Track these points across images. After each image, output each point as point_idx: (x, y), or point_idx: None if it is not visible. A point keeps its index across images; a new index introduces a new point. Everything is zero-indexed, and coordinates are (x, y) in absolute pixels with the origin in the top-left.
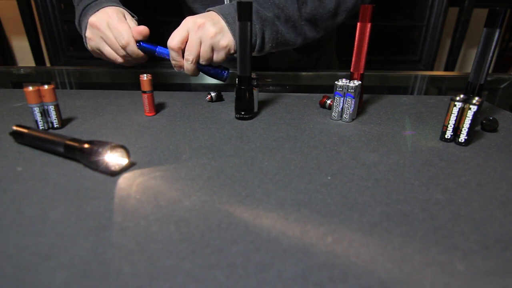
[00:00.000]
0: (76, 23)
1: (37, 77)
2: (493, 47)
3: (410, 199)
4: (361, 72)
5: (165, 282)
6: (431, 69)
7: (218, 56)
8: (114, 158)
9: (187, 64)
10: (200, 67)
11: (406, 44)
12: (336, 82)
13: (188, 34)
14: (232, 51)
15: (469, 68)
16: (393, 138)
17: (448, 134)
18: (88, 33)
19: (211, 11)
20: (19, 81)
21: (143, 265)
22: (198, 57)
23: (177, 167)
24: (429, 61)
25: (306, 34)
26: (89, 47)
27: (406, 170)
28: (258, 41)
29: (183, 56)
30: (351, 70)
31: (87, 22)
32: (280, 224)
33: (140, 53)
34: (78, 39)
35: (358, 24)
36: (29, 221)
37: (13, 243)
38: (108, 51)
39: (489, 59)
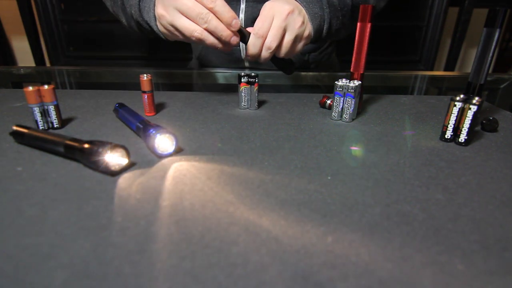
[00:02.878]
0: (130, 11)
1: (37, 77)
2: (493, 47)
3: (410, 199)
4: (361, 72)
5: (165, 282)
6: (431, 69)
7: (298, 48)
8: (114, 158)
9: (267, 53)
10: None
11: (406, 44)
12: (336, 82)
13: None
14: (308, 42)
15: (469, 68)
16: (393, 138)
17: (448, 134)
18: (159, 9)
19: None
20: (19, 81)
21: (143, 265)
22: (278, 45)
23: (177, 167)
24: (429, 61)
25: (351, 26)
26: (160, 27)
27: (406, 170)
28: (325, 27)
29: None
30: (351, 70)
31: (154, 2)
32: (280, 224)
33: (230, 11)
34: (78, 39)
35: (358, 24)
36: (29, 221)
37: (13, 243)
38: (183, 23)
39: (489, 59)
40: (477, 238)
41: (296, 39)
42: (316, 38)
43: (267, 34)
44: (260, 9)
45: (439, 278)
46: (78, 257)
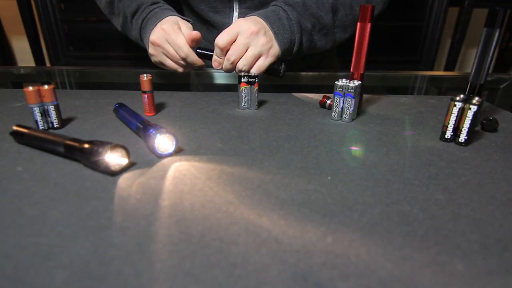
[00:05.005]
0: (135, 35)
1: (37, 77)
2: (493, 47)
3: (410, 199)
4: (361, 72)
5: (165, 282)
6: (431, 69)
7: (264, 62)
8: (114, 158)
9: (227, 63)
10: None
11: (406, 44)
12: (336, 82)
13: (237, 36)
14: (276, 60)
15: (469, 68)
16: (393, 138)
17: (448, 134)
18: (151, 51)
19: (258, 17)
20: (19, 81)
21: (143, 265)
22: (239, 59)
23: (177, 167)
24: (429, 61)
25: (336, 40)
26: (152, 61)
27: (406, 170)
28: (295, 49)
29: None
30: (351, 70)
31: (148, 39)
32: (280, 224)
33: (199, 60)
34: (78, 39)
35: (358, 24)
36: (29, 221)
37: (13, 243)
38: (170, 63)
39: (489, 59)
40: (477, 238)
41: (261, 55)
42: (286, 56)
43: (226, 46)
44: None
45: (439, 278)
46: (78, 257)
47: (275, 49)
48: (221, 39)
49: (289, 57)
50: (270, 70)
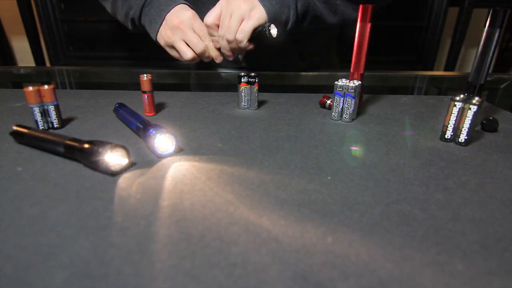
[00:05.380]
0: (131, 13)
1: (37, 77)
2: (493, 47)
3: (410, 199)
4: (361, 72)
5: (165, 282)
6: (431, 69)
7: (247, 24)
8: (114, 158)
9: (223, 42)
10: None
11: (406, 44)
12: (336, 82)
13: (221, 12)
14: (263, 23)
15: (469, 68)
16: (393, 138)
17: (448, 134)
18: (168, 32)
19: None
20: (19, 81)
21: (143, 265)
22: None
23: (177, 167)
24: (429, 61)
25: (344, 13)
26: (162, 41)
27: (406, 170)
28: (291, 13)
29: None
30: (351, 70)
31: (163, 19)
32: (280, 224)
33: (215, 51)
34: (78, 39)
35: (358, 24)
36: (29, 221)
37: (13, 243)
38: (181, 47)
39: (489, 59)
40: (477, 238)
41: (243, 18)
42: (283, 22)
43: (214, 21)
44: None
45: (439, 278)
46: (78, 257)
47: (259, 11)
48: (208, 17)
49: (290, 24)
50: (257, 34)
